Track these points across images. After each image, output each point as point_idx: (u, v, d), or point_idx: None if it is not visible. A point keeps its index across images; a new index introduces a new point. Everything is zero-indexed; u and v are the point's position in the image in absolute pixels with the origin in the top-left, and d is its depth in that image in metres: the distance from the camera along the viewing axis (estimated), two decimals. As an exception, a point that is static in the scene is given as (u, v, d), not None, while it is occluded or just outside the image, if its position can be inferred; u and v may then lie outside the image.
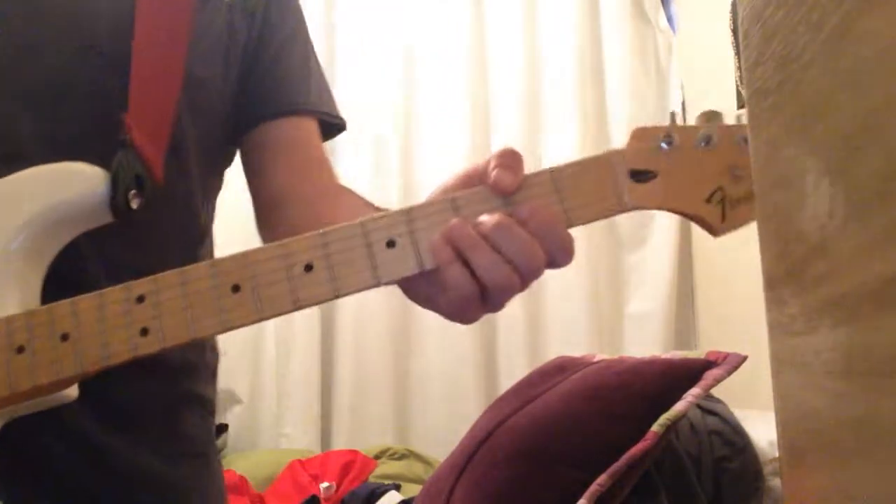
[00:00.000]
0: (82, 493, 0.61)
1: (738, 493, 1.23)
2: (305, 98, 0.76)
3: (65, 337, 0.51)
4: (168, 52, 0.63)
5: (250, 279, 0.50)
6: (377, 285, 0.50)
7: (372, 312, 2.17)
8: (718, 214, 0.52)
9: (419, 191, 2.18)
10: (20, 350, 0.51)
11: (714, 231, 0.53)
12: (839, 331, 0.21)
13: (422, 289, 0.52)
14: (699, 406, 1.28)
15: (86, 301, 0.51)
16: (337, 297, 0.50)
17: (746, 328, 1.22)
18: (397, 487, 1.67)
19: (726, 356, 1.03)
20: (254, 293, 0.50)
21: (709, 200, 0.52)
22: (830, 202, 0.21)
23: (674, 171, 0.52)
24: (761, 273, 0.24)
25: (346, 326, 2.21)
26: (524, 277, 0.49)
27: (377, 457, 1.89)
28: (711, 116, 0.54)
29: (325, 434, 2.19)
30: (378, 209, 0.61)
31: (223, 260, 0.51)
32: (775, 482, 1.26)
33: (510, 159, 0.51)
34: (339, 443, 2.12)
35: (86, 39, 0.63)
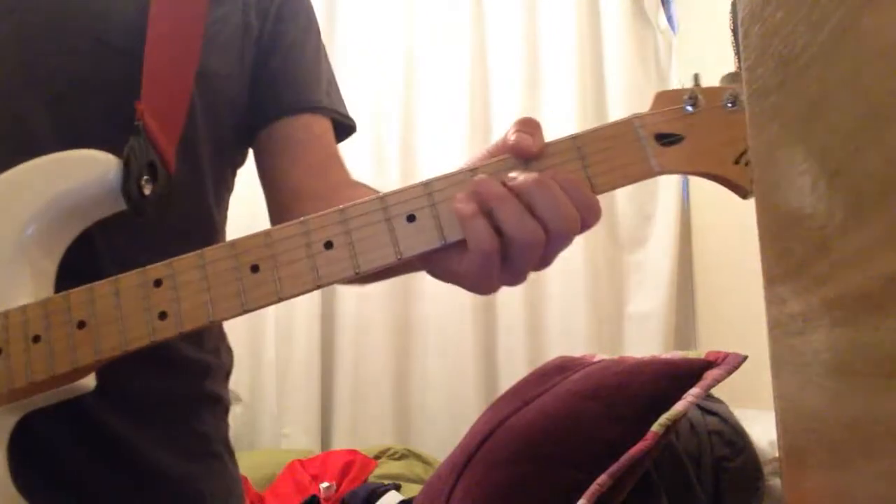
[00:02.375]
0: (96, 486, 0.61)
1: (738, 493, 1.23)
2: (319, 96, 0.76)
3: (81, 324, 0.50)
4: (182, 46, 0.63)
5: (270, 258, 0.49)
6: (399, 261, 0.49)
7: (372, 312, 2.17)
8: (747, 176, 0.50)
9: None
10: (36, 339, 0.51)
11: (744, 193, 0.51)
12: (839, 331, 0.21)
13: (441, 260, 0.50)
14: (699, 406, 1.28)
15: (102, 287, 0.51)
16: (357, 274, 0.49)
17: (746, 328, 1.22)
18: (397, 487, 1.67)
19: (726, 356, 1.03)
20: (273, 272, 0.49)
21: (737, 162, 0.50)
22: (830, 202, 0.21)
23: (700, 133, 0.50)
24: (761, 273, 0.24)
25: (347, 326, 2.21)
26: (552, 237, 0.47)
27: (377, 457, 1.89)
28: (735, 77, 0.53)
29: (325, 434, 2.19)
30: None
31: (243, 239, 0.50)
32: (775, 482, 1.26)
33: (529, 125, 0.50)
34: (339, 443, 2.12)
35: (100, 33, 0.63)
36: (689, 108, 0.51)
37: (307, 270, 0.48)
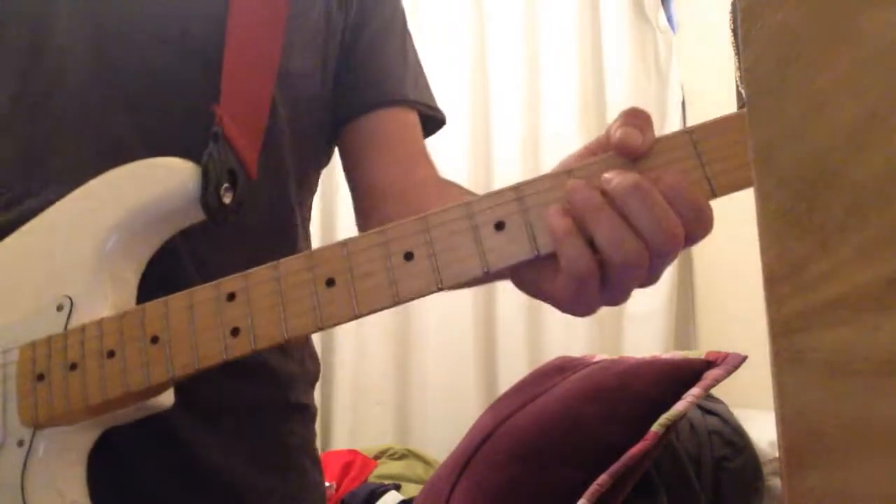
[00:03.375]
0: (175, 502, 0.59)
1: (738, 493, 1.23)
2: (404, 89, 0.73)
3: (154, 339, 0.48)
4: (262, 45, 0.61)
5: (345, 271, 0.45)
6: (486, 274, 0.43)
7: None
8: None
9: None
10: (111, 354, 0.49)
11: None
12: (839, 331, 0.21)
13: (531, 275, 0.45)
14: (699, 406, 1.29)
15: (176, 301, 0.48)
16: (440, 289, 0.44)
17: (746, 328, 1.22)
18: (397, 487, 1.67)
19: (726, 356, 1.03)
20: (349, 287, 0.45)
21: None
22: (830, 202, 0.21)
23: None
24: (761, 273, 0.24)
25: (347, 326, 2.20)
26: (654, 255, 0.40)
27: (377, 457, 1.89)
28: None
29: (325, 434, 2.19)
30: None
31: (319, 251, 0.46)
32: (775, 482, 1.26)
33: (638, 118, 0.43)
34: (339, 443, 2.12)
35: (179, 33, 0.61)
36: None
37: (385, 285, 0.44)
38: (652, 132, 0.43)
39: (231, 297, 0.47)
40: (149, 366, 0.48)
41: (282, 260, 0.47)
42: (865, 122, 0.20)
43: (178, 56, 0.61)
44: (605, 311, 2.41)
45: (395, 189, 0.68)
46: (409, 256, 0.44)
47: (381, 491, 1.64)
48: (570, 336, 2.11)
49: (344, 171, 0.73)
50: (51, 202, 0.56)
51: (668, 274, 2.16)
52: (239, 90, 0.58)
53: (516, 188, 0.44)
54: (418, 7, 2.30)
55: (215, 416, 0.61)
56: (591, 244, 0.41)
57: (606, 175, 0.41)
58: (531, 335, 2.15)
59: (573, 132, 2.21)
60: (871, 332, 0.19)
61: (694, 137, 0.43)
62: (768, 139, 0.24)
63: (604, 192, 0.41)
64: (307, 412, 0.71)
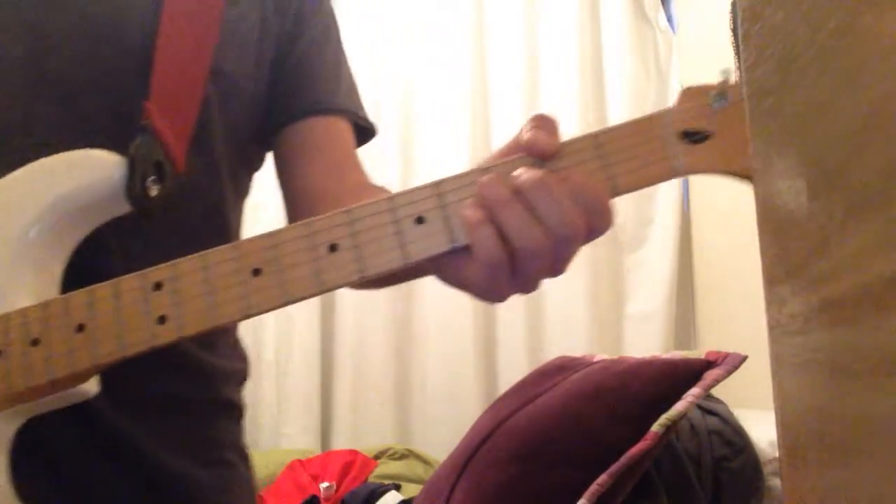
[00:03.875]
0: (102, 490, 0.60)
1: (738, 493, 1.23)
2: (337, 98, 0.75)
3: (80, 328, 0.49)
4: (195, 45, 0.62)
5: (273, 261, 0.47)
6: (406, 265, 0.47)
7: (372, 312, 2.17)
8: None
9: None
10: (35, 343, 0.50)
11: None
12: (839, 331, 0.21)
13: (450, 266, 0.48)
14: (699, 406, 1.28)
15: (101, 290, 0.50)
16: (363, 278, 0.47)
17: (746, 328, 1.22)
18: (397, 487, 1.67)
19: (726, 356, 1.03)
20: (276, 276, 0.47)
21: None
22: (830, 202, 0.21)
23: (730, 130, 0.47)
24: (761, 273, 0.24)
25: (346, 326, 2.21)
26: (557, 245, 0.45)
27: (377, 457, 1.89)
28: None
29: (325, 434, 2.19)
30: None
31: (246, 241, 0.48)
32: (775, 482, 1.26)
33: (545, 122, 0.48)
34: (339, 443, 2.12)
35: (110, 30, 0.62)
36: (717, 104, 0.48)
37: (311, 274, 0.47)
38: (558, 136, 0.48)
39: (158, 286, 0.48)
40: (73, 354, 0.49)
41: (209, 250, 0.49)
42: (865, 122, 0.20)
43: (109, 54, 0.61)
44: (605, 312, 2.41)
45: (326, 194, 0.70)
46: (333, 248, 0.47)
47: (381, 491, 1.64)
48: (570, 336, 2.11)
49: (277, 176, 0.75)
50: None
51: (669, 274, 2.17)
52: (169, 87, 0.59)
53: (437, 184, 0.47)
54: (418, 7, 2.30)
55: (142, 407, 0.62)
56: (502, 235, 0.45)
57: (515, 172, 0.46)
58: (531, 335, 2.15)
59: (573, 132, 2.20)
60: (871, 332, 0.19)
61: (598, 141, 0.48)
62: (768, 139, 0.24)
63: (513, 188, 0.45)
64: (235, 410, 0.73)
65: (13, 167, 0.56)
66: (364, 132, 0.78)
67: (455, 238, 0.46)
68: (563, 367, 1.25)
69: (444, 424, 2.06)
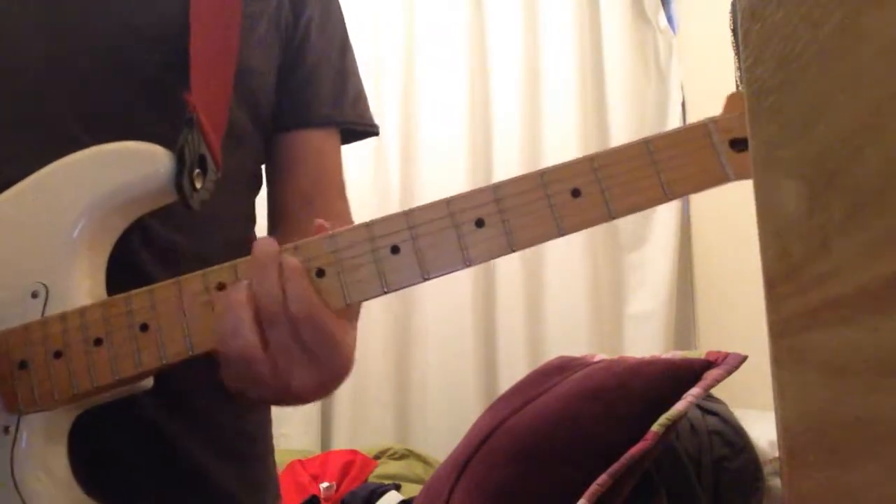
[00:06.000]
0: (139, 478, 0.60)
1: (738, 493, 1.23)
2: (336, 111, 0.75)
3: (144, 327, 0.50)
4: (223, 39, 0.63)
5: (335, 264, 0.49)
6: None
7: (372, 313, 2.17)
8: None
9: (419, 191, 2.18)
10: (98, 342, 0.50)
11: None
12: (839, 331, 0.21)
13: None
14: (699, 406, 1.28)
15: (163, 290, 0.50)
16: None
17: (746, 328, 1.22)
18: (397, 487, 1.67)
19: (726, 356, 1.03)
20: (339, 278, 0.49)
21: None
22: (830, 202, 0.21)
23: None
24: (761, 273, 0.24)
25: (346, 326, 2.20)
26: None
27: (377, 457, 1.89)
28: None
29: (325, 434, 2.19)
30: None
31: (307, 242, 0.50)
32: (775, 482, 1.26)
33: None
34: (339, 443, 2.12)
35: (139, 22, 0.62)
36: None
37: (375, 275, 0.50)
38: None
39: (220, 286, 0.50)
40: (140, 353, 0.50)
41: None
42: (865, 122, 0.20)
43: (139, 47, 0.62)
44: (605, 311, 2.41)
45: (296, 219, 0.72)
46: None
47: (381, 491, 1.64)
48: (570, 336, 2.11)
49: (266, 177, 0.76)
50: (10, 183, 0.56)
51: (669, 274, 2.17)
52: (205, 81, 0.60)
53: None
54: (418, 7, 2.30)
55: (179, 398, 0.62)
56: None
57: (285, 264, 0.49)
58: (531, 335, 2.15)
59: (573, 132, 2.21)
60: (871, 332, 0.19)
61: (650, 148, 0.49)
62: (768, 139, 0.24)
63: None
64: (268, 407, 0.73)
65: (38, 160, 0.55)
66: (366, 133, 0.79)
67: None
68: (562, 367, 1.25)
69: (444, 424, 2.06)
